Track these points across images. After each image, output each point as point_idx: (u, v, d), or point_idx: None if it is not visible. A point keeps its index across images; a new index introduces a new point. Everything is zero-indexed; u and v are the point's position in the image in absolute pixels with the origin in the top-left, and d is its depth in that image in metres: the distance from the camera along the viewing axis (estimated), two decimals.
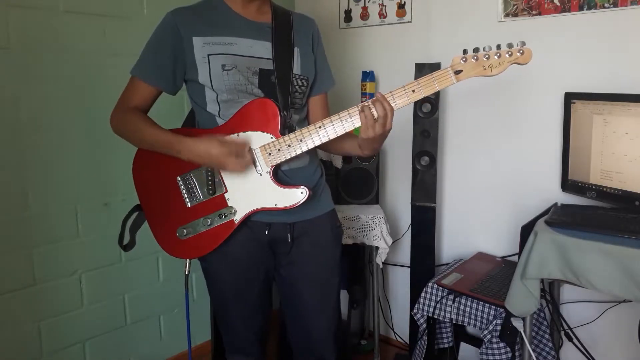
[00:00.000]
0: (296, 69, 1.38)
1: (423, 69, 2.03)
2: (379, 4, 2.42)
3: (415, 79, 1.26)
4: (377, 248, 2.20)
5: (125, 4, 2.03)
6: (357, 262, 2.44)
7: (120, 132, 1.38)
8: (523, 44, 1.20)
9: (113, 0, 1.99)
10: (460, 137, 2.25)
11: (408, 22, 2.35)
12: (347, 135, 1.34)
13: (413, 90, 1.23)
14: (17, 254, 1.83)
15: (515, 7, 2.01)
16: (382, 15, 2.42)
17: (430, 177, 2.11)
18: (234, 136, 1.30)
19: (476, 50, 1.21)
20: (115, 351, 2.16)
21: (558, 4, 1.91)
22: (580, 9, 1.86)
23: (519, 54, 1.20)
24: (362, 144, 1.33)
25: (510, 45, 1.20)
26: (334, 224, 1.49)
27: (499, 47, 1.20)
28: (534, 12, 1.97)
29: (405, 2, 2.34)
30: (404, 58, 2.35)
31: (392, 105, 1.23)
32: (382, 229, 2.16)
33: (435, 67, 2.03)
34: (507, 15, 2.04)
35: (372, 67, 2.44)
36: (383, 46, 2.44)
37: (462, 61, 1.21)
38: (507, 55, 1.20)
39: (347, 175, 2.30)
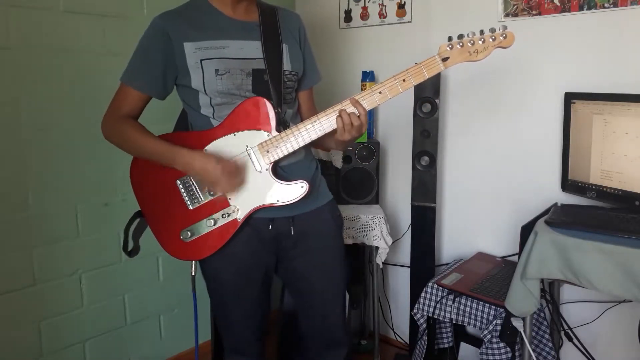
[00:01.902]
0: (286, 65, 1.39)
1: None
2: (379, 4, 2.42)
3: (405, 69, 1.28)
4: (377, 248, 2.20)
5: (125, 4, 2.03)
6: (357, 262, 2.44)
7: (113, 141, 1.37)
8: (505, 27, 1.24)
9: (113, 0, 1.99)
10: (460, 137, 2.25)
11: (408, 22, 2.34)
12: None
13: (404, 80, 1.28)
14: (17, 254, 1.83)
15: (515, 7, 2.01)
16: (382, 15, 2.42)
17: (430, 177, 2.11)
18: (230, 136, 1.32)
19: (461, 36, 1.25)
20: (115, 351, 2.16)
21: (558, 4, 1.91)
22: (580, 9, 1.86)
23: (502, 38, 1.24)
24: (338, 143, 1.38)
25: (493, 30, 1.24)
26: (335, 213, 1.52)
27: (482, 32, 1.25)
28: (534, 12, 1.97)
29: (405, 2, 2.34)
30: (404, 58, 2.34)
31: (385, 95, 1.28)
32: (382, 229, 2.16)
33: None
34: (507, 15, 2.04)
35: (372, 67, 2.44)
36: (383, 46, 2.44)
37: (448, 48, 1.26)
38: (490, 40, 1.25)
39: (347, 175, 2.30)
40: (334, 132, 1.32)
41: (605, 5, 1.81)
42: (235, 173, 1.28)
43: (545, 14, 1.95)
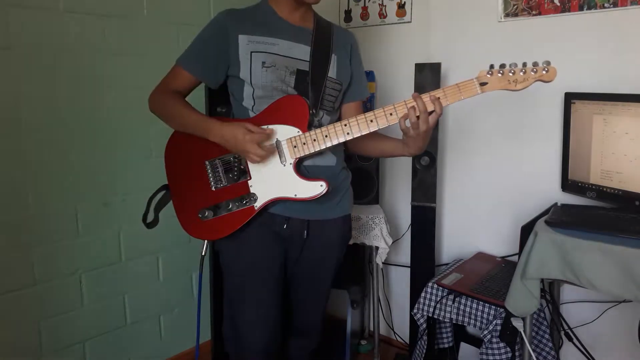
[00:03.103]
0: (331, 73, 1.44)
1: (423, 69, 2.03)
2: (379, 4, 2.42)
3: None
4: (377, 248, 2.20)
5: (125, 4, 2.03)
6: (357, 262, 2.44)
7: (156, 111, 1.45)
8: (548, 63, 1.24)
9: (113, 0, 1.99)
10: (460, 137, 2.25)
11: (408, 22, 2.35)
12: (385, 137, 1.46)
13: (438, 98, 1.28)
14: (17, 254, 1.83)
15: (515, 7, 2.01)
16: (382, 15, 2.42)
17: (430, 177, 2.11)
18: (263, 127, 1.36)
19: (502, 65, 1.25)
20: (115, 351, 2.16)
21: (558, 4, 1.91)
22: (580, 9, 1.87)
23: (544, 72, 1.24)
24: (407, 142, 1.37)
25: (535, 64, 1.24)
26: (346, 228, 1.55)
27: (524, 64, 1.24)
28: (534, 12, 1.97)
29: (405, 2, 2.34)
30: (404, 58, 2.35)
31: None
32: (382, 229, 2.16)
33: (436, 67, 2.04)
34: (507, 15, 2.04)
35: (372, 67, 2.44)
36: (383, 46, 2.44)
37: (488, 74, 1.26)
38: (532, 72, 1.24)
39: None
40: (395, 138, 1.37)
41: (605, 5, 1.81)
42: (263, 141, 1.32)
43: (545, 14, 1.95)
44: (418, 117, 1.26)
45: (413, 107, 1.26)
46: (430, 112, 1.27)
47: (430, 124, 1.28)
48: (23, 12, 1.76)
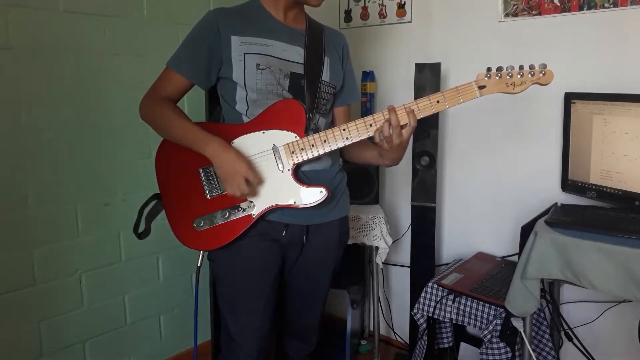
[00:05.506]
0: (325, 76, 1.42)
1: (423, 69, 2.03)
2: (379, 4, 2.42)
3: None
4: (377, 248, 2.20)
5: (125, 4, 2.03)
6: (357, 262, 2.44)
7: (148, 120, 1.39)
8: (545, 66, 1.26)
9: (113, 0, 1.99)
10: (461, 137, 2.25)
11: (408, 22, 2.35)
12: (367, 145, 1.43)
13: (438, 101, 1.28)
14: (17, 254, 1.83)
15: (515, 7, 2.01)
16: (382, 15, 2.42)
17: (430, 177, 2.11)
18: (259, 133, 1.34)
19: (500, 68, 1.26)
20: (115, 351, 2.16)
21: (558, 4, 1.91)
22: (580, 9, 1.87)
23: (541, 75, 1.26)
24: (381, 153, 1.37)
25: (532, 67, 1.26)
26: (343, 230, 1.53)
27: (521, 67, 1.26)
28: (534, 12, 1.97)
29: (405, 2, 2.34)
30: (404, 58, 2.35)
31: (417, 114, 1.28)
32: (382, 229, 2.16)
33: (436, 67, 2.04)
34: (507, 15, 2.04)
35: (372, 67, 2.44)
36: (383, 46, 2.44)
37: (486, 77, 1.27)
38: (529, 75, 1.26)
39: (347, 175, 2.29)
40: (375, 146, 1.35)
41: (605, 5, 1.81)
42: (252, 181, 1.28)
43: (545, 14, 1.95)
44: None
45: (388, 120, 1.26)
46: (404, 126, 1.26)
47: (403, 138, 1.27)
48: (23, 12, 1.76)
